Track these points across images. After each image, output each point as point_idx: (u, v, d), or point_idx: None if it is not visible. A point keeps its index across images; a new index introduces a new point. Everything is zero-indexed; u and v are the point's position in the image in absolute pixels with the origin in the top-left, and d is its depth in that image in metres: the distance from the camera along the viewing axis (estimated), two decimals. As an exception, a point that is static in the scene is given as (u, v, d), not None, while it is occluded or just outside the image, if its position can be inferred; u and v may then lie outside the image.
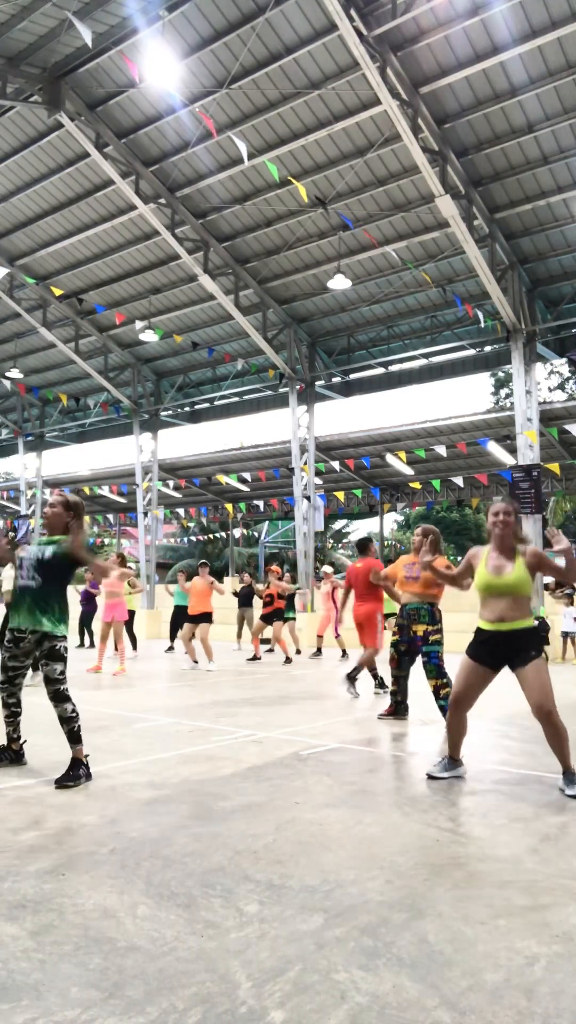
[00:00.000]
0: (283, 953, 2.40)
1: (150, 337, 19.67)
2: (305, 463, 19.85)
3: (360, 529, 41.54)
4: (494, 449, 21.05)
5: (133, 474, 24.52)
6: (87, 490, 29.92)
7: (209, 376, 22.83)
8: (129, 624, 13.55)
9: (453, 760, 4.78)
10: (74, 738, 4.54)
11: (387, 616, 9.74)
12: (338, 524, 40.94)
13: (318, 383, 19.96)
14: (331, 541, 39.28)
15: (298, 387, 19.76)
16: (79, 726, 4.57)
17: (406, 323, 18.87)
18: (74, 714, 4.55)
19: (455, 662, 4.90)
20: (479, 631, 4.62)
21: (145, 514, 22.96)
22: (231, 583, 21.17)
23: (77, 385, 25.42)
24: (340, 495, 27.47)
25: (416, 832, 3.65)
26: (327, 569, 15.84)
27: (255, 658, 13.47)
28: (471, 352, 18.52)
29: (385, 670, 8.00)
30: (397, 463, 23.26)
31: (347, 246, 16.90)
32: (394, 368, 19.65)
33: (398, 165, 14.92)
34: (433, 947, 2.45)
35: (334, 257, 17.06)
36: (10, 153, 16.92)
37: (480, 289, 16.13)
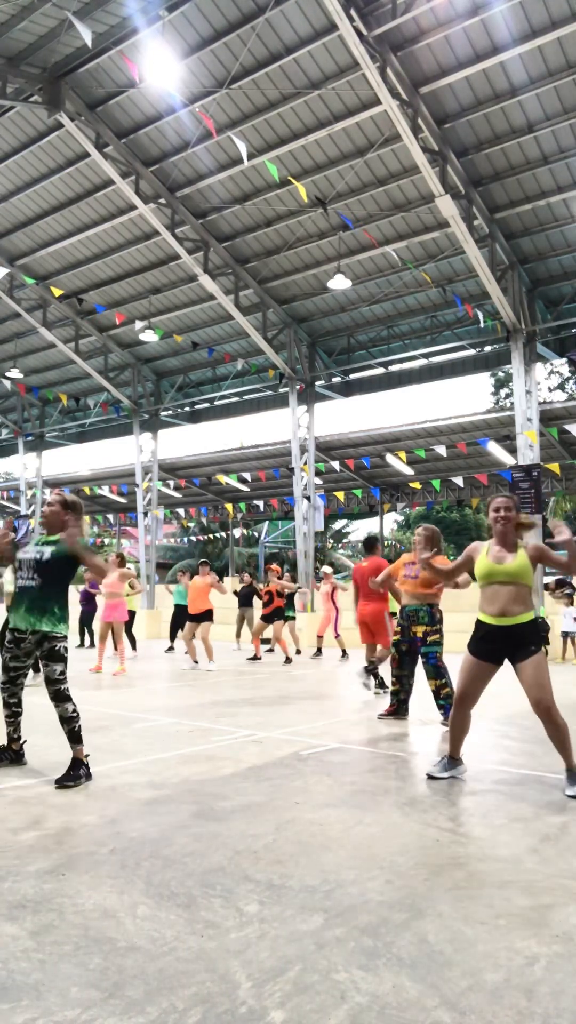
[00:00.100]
0: (283, 953, 2.40)
1: (150, 337, 19.67)
2: (305, 463, 19.85)
3: (360, 529, 41.56)
4: (494, 449, 21.06)
5: (133, 474, 24.53)
6: (87, 490, 29.92)
7: (209, 376, 22.83)
8: (129, 625, 13.55)
9: (453, 760, 4.77)
10: (74, 738, 4.54)
11: (391, 614, 9.75)
12: (338, 524, 40.93)
13: (318, 383, 19.96)
14: (331, 541, 39.28)
15: (298, 387, 19.76)
16: (80, 726, 4.57)
17: (406, 323, 18.86)
18: (75, 714, 4.56)
19: (456, 662, 4.90)
20: (480, 624, 4.54)
21: (145, 514, 22.96)
22: (231, 583, 21.18)
23: (77, 385, 25.42)
24: (340, 495, 27.47)
25: (416, 832, 3.65)
26: (327, 569, 15.84)
27: (255, 658, 13.48)
28: (471, 352, 18.52)
29: (385, 670, 8.01)
30: (397, 463, 23.26)
31: (347, 246, 16.90)
32: (394, 368, 19.65)
33: (398, 165, 14.92)
34: (433, 947, 2.45)
35: (334, 257, 17.05)
36: (10, 153, 16.92)
37: (480, 289, 16.13)
